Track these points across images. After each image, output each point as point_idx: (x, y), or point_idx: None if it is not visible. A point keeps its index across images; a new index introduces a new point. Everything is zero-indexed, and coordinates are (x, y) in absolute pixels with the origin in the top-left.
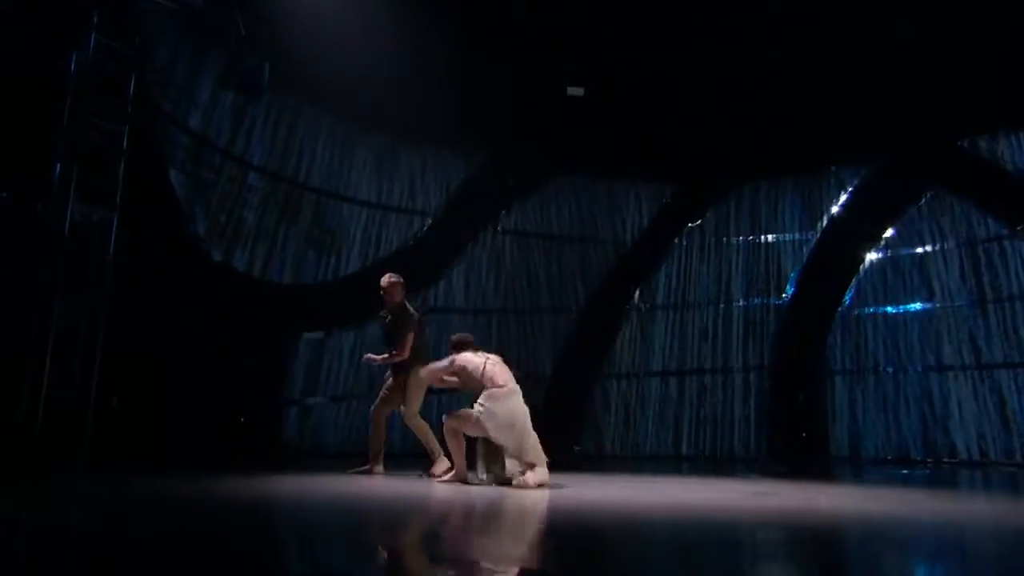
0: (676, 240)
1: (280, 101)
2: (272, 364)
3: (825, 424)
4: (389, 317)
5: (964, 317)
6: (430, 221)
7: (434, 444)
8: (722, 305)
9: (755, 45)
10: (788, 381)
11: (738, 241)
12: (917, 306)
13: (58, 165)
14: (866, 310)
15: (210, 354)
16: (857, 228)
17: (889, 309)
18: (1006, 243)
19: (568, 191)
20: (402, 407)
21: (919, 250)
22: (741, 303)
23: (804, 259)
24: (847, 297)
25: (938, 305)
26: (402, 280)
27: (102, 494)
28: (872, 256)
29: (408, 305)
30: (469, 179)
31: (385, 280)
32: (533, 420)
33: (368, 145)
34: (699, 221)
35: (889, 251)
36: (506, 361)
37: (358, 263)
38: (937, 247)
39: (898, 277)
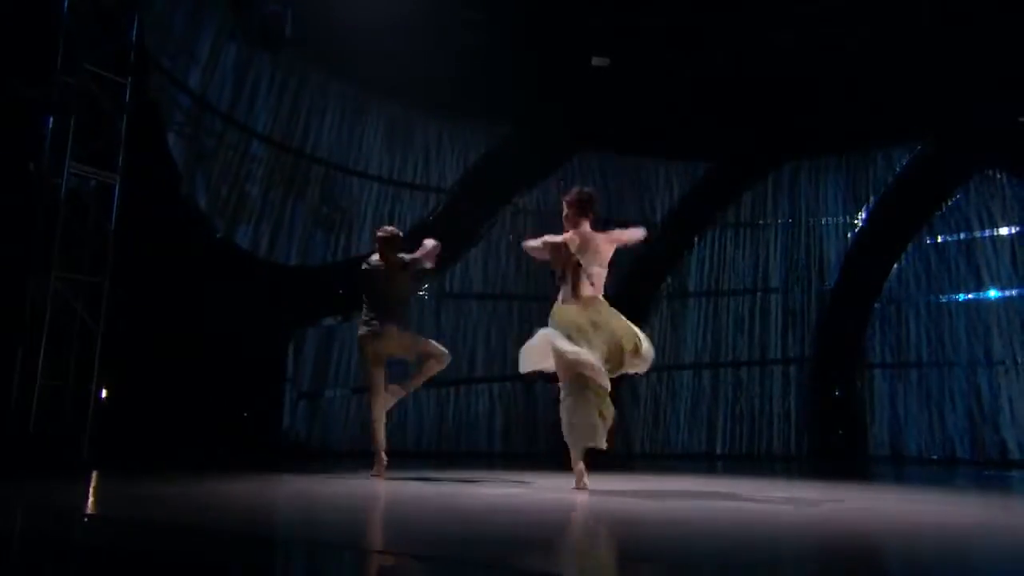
0: (709, 223)
1: (285, 63)
2: (278, 353)
3: (864, 421)
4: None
5: (1016, 308)
6: (446, 198)
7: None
8: (759, 293)
9: (798, 15)
10: (830, 375)
11: (776, 224)
12: (964, 296)
13: (50, 119)
14: (909, 300)
15: (213, 342)
16: (904, 212)
17: (939, 298)
18: None
19: (594, 168)
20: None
21: (966, 236)
22: (780, 291)
23: (848, 244)
24: (888, 286)
25: (987, 295)
26: None
27: (106, 500)
28: (918, 242)
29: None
30: (489, 153)
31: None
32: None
33: (380, 114)
34: (735, 202)
35: (938, 237)
36: None
37: (369, 244)
38: (987, 233)
39: (943, 265)
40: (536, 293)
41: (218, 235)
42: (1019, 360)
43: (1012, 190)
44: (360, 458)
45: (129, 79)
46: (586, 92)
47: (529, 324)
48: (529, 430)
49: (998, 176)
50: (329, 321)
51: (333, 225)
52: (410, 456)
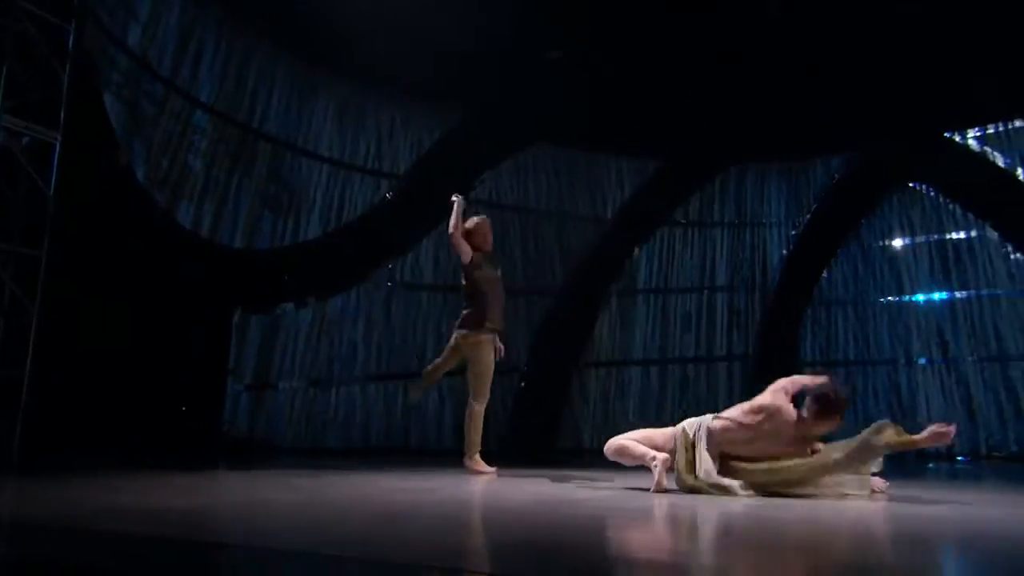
0: (659, 221)
1: (231, 31)
2: (221, 342)
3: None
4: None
5: (933, 311)
6: (399, 185)
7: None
8: (706, 292)
9: (751, 26)
10: (769, 372)
11: (723, 225)
12: (887, 299)
13: None
14: (838, 302)
15: (149, 327)
16: (835, 219)
17: (864, 301)
18: (975, 240)
19: (547, 162)
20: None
21: (889, 243)
22: (726, 290)
23: (788, 247)
24: (819, 288)
25: (907, 298)
26: None
27: (24, 503)
28: (847, 247)
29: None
30: (442, 140)
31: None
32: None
33: (331, 94)
34: (683, 202)
35: (862, 243)
36: None
37: (319, 228)
38: (908, 241)
39: (868, 270)
40: None
41: (158, 210)
42: (935, 359)
43: (930, 201)
44: (306, 455)
45: (73, 23)
46: (539, 85)
47: None
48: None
49: (918, 188)
50: (280, 309)
51: (281, 206)
52: (356, 453)
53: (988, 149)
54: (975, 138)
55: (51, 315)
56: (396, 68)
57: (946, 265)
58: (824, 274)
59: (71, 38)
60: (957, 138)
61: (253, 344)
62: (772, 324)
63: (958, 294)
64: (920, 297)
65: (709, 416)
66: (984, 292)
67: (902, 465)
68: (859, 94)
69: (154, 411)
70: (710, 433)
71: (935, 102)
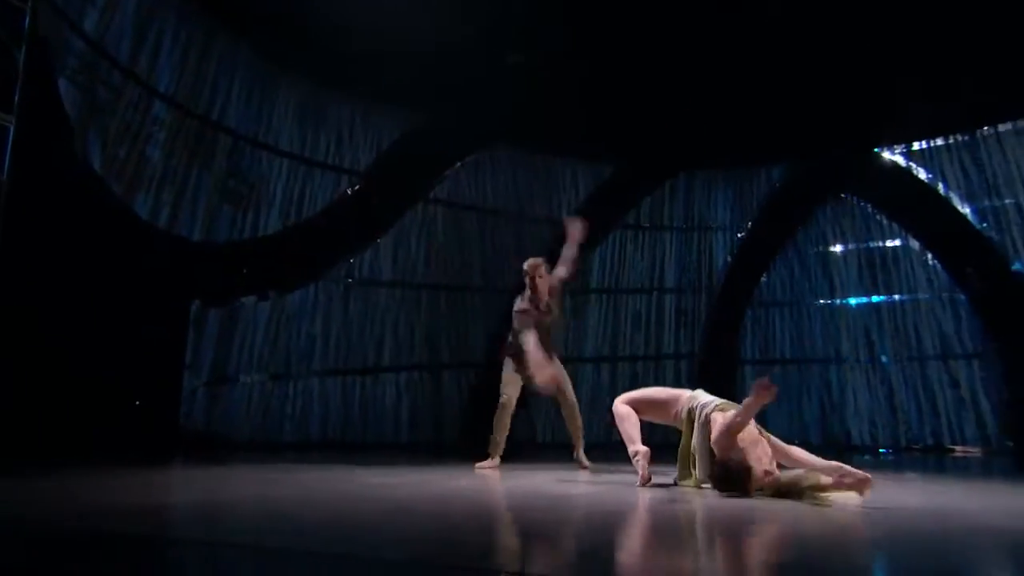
0: (611, 224)
1: (191, 22)
2: (178, 335)
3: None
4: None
5: (861, 313)
6: (359, 182)
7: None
8: (655, 292)
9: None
10: (712, 370)
11: (672, 229)
12: (820, 302)
13: None
14: (776, 304)
15: (105, 321)
16: (775, 225)
17: (799, 303)
18: (899, 248)
19: (505, 163)
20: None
21: (823, 249)
22: (674, 291)
23: (733, 251)
24: (759, 291)
25: (838, 301)
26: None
27: None
28: (784, 253)
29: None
30: (402, 139)
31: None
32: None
33: (291, 89)
34: (635, 206)
35: (799, 249)
36: None
37: (278, 222)
38: (839, 247)
39: (804, 274)
40: (445, 283)
41: (115, 200)
42: (862, 358)
43: (860, 211)
44: (265, 450)
45: (29, 4)
46: (499, 88)
47: (437, 314)
48: (436, 420)
49: (850, 199)
50: (239, 302)
51: (241, 200)
52: (314, 447)
53: (912, 164)
54: (902, 154)
55: (1, 304)
56: (357, 67)
57: (873, 271)
58: (764, 278)
59: (27, 19)
60: (886, 154)
61: (211, 338)
62: (716, 324)
63: (883, 298)
64: (851, 300)
65: (712, 404)
66: (906, 297)
67: (835, 458)
68: (800, 110)
69: (109, 405)
70: (710, 421)
71: (867, 120)
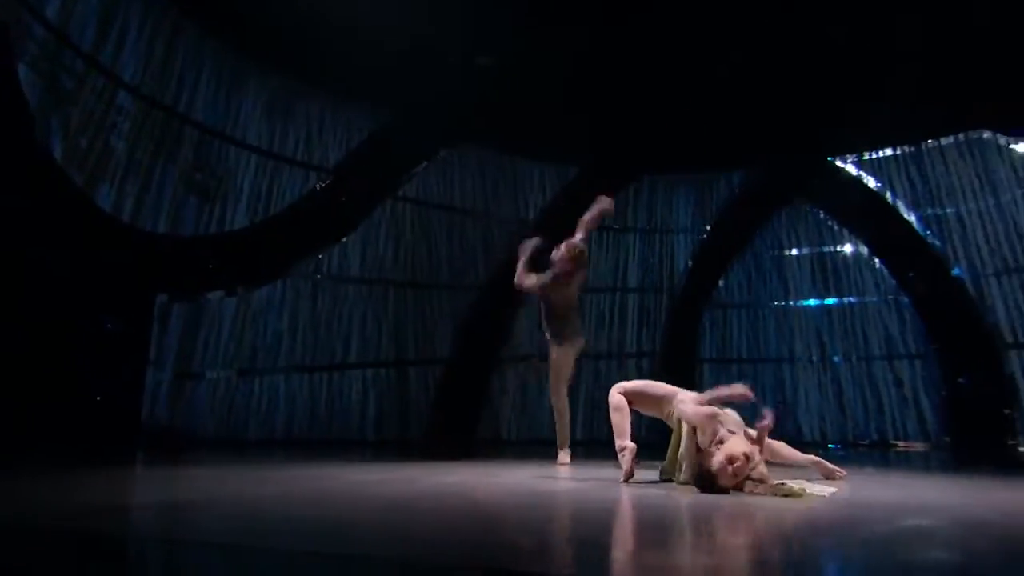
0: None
1: (157, 12)
2: (141, 330)
3: None
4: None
5: (814, 315)
6: (328, 178)
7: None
8: (619, 292)
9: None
10: (672, 368)
11: (636, 231)
12: (775, 303)
13: None
14: (733, 305)
15: (67, 314)
16: (733, 229)
17: (755, 304)
18: (849, 253)
19: (473, 163)
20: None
21: (778, 253)
22: (636, 292)
23: (694, 253)
24: (717, 292)
25: (792, 304)
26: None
27: None
28: (741, 256)
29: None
30: (372, 136)
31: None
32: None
33: (260, 84)
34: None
35: (755, 252)
36: None
37: (246, 217)
38: (794, 252)
39: (760, 277)
40: (413, 279)
41: (76, 190)
42: (814, 358)
43: (813, 217)
44: (230, 447)
45: None
46: (469, 88)
47: (404, 311)
48: (402, 417)
49: (804, 205)
50: (205, 297)
51: (208, 193)
52: (279, 444)
53: (863, 173)
54: (853, 163)
55: None
56: (327, 63)
57: (825, 275)
58: (722, 280)
59: None
60: (839, 162)
61: (175, 333)
62: (676, 324)
63: (834, 301)
64: (804, 303)
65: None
66: (855, 299)
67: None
68: (758, 119)
69: (68, 401)
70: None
71: (822, 129)
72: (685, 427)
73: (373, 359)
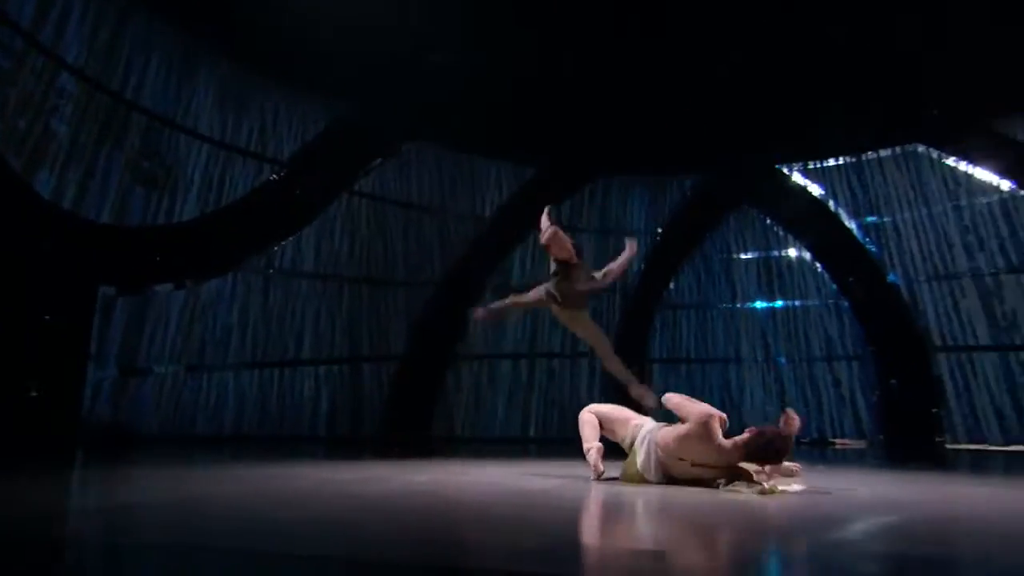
0: (532, 223)
1: None
2: (82, 323)
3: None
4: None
5: (759, 317)
6: (283, 171)
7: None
8: None
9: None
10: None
11: (590, 231)
12: (723, 305)
13: None
14: (683, 306)
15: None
16: (685, 233)
17: (704, 306)
18: (793, 258)
19: (430, 160)
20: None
21: (726, 256)
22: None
23: (645, 255)
24: (668, 293)
25: (739, 306)
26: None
27: None
28: (691, 259)
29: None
30: (328, 130)
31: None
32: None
33: (213, 73)
34: (555, 207)
35: (705, 256)
36: None
37: (196, 208)
38: (741, 256)
39: (709, 279)
40: (369, 275)
41: (13, 175)
42: (759, 358)
43: (760, 223)
44: (176, 444)
45: None
46: (427, 86)
47: (359, 307)
48: (356, 414)
49: (752, 211)
50: (153, 290)
51: (156, 182)
52: (228, 441)
53: (808, 182)
54: (799, 171)
55: None
56: (283, 54)
57: (771, 278)
58: (672, 282)
59: None
60: (786, 170)
61: (119, 326)
62: (628, 324)
63: (779, 303)
64: (750, 305)
65: (656, 427)
66: (797, 302)
67: None
68: (711, 127)
69: (3, 397)
70: (654, 442)
71: (771, 139)
72: (642, 450)
73: (326, 355)
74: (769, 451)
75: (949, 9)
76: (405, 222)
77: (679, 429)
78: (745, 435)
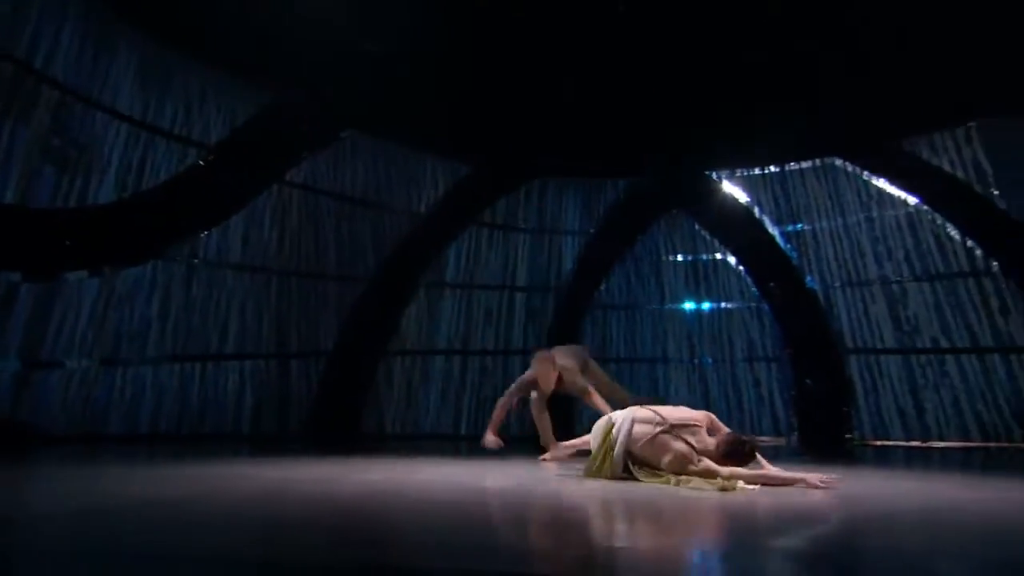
0: (468, 220)
1: None
2: None
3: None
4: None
5: (685, 318)
6: (210, 156)
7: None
8: (507, 290)
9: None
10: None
11: (526, 230)
12: (652, 306)
13: None
14: (613, 306)
15: None
16: (617, 234)
17: (633, 306)
18: (719, 261)
19: (365, 152)
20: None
21: (655, 259)
22: (525, 290)
23: (579, 255)
24: (599, 294)
25: (666, 307)
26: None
27: None
28: (622, 261)
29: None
30: (258, 116)
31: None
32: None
33: (132, 47)
34: (491, 205)
35: (635, 257)
36: None
37: (113, 192)
38: (670, 258)
39: (639, 280)
40: (298, 268)
41: None
42: (684, 359)
43: (688, 227)
44: (86, 443)
45: None
46: (362, 76)
47: (288, 300)
48: (282, 411)
49: (680, 215)
50: (62, 277)
51: (67, 162)
52: (144, 439)
53: (735, 188)
54: (727, 178)
55: None
56: (211, 33)
57: (696, 280)
58: (604, 282)
59: None
60: (715, 176)
61: (22, 316)
62: (561, 323)
63: (704, 305)
64: (678, 306)
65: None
66: (722, 304)
67: None
68: (644, 133)
69: None
70: (630, 435)
71: (700, 147)
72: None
73: (252, 350)
74: (741, 452)
75: (862, 39)
76: (338, 214)
77: (657, 453)
78: (721, 436)
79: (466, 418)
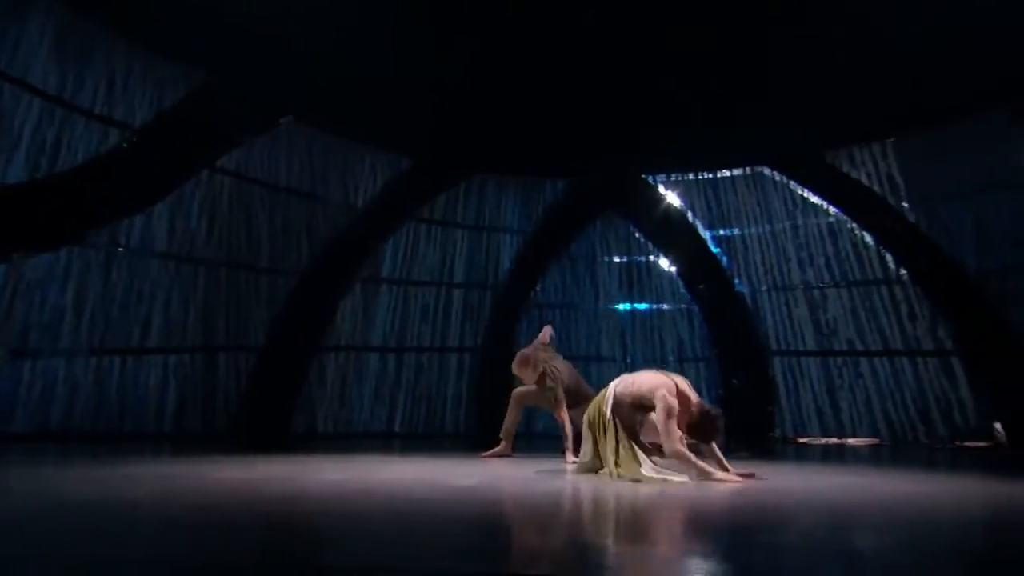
0: (405, 215)
1: None
2: None
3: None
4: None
5: (619, 317)
6: (133, 138)
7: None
8: (444, 287)
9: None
10: (492, 362)
11: (464, 227)
12: (587, 306)
13: None
14: (549, 305)
15: None
16: (554, 234)
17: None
18: (652, 263)
19: (302, 142)
20: None
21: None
22: (462, 287)
23: (517, 253)
24: (536, 292)
25: (601, 306)
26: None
27: None
28: (558, 260)
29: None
30: (188, 98)
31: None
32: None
33: (47, 16)
34: (430, 201)
35: (571, 257)
36: None
37: (24, 170)
38: (605, 258)
39: (574, 280)
40: (228, 259)
41: None
42: (617, 358)
43: (623, 229)
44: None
45: None
46: (301, 61)
47: (216, 292)
48: (207, 408)
49: (616, 217)
50: None
51: None
52: (55, 437)
53: (669, 193)
54: (662, 182)
55: None
56: (137, 8)
57: (631, 281)
58: (541, 281)
59: None
60: (650, 180)
61: None
62: (498, 321)
63: (638, 306)
64: (612, 306)
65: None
66: (655, 305)
67: None
68: (582, 135)
69: None
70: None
71: (636, 151)
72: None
73: (177, 344)
74: (712, 427)
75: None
76: (271, 205)
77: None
78: (696, 406)
79: (400, 416)
